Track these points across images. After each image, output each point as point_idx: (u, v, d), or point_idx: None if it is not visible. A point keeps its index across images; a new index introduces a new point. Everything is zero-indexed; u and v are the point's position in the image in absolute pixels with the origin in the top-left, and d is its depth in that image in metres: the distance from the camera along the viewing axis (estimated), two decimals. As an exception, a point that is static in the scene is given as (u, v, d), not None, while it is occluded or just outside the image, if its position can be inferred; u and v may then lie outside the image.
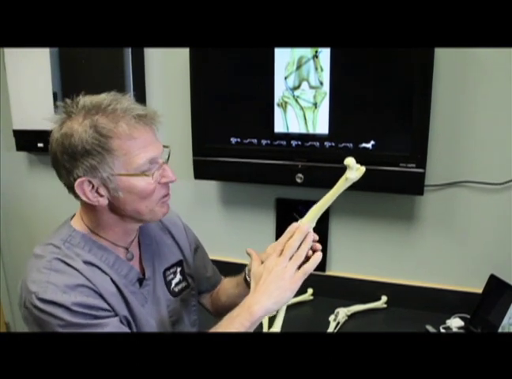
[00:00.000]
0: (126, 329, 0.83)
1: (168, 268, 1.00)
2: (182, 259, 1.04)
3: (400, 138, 1.29)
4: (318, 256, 0.80)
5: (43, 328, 0.77)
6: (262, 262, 0.84)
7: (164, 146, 0.86)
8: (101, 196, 0.81)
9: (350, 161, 0.78)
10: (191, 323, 1.04)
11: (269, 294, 0.77)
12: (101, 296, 0.81)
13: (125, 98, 0.82)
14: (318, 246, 0.85)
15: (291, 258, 0.80)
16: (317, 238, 0.85)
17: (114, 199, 0.82)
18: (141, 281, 0.92)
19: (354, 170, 0.79)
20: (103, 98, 0.81)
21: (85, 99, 0.81)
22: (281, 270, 0.79)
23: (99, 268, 0.84)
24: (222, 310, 1.08)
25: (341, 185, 0.81)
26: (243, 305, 0.79)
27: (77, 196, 0.83)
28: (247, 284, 0.97)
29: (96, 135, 0.77)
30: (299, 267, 0.79)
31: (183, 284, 1.02)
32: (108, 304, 0.81)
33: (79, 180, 0.79)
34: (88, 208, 0.85)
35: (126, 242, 0.91)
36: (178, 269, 1.02)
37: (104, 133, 0.77)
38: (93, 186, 0.80)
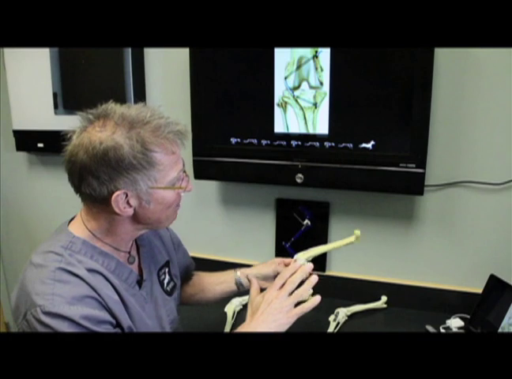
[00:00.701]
0: None
1: (160, 269, 1.01)
2: (169, 260, 1.06)
3: (400, 138, 1.29)
4: (317, 299, 0.88)
5: None
6: (261, 289, 0.93)
7: None
8: (130, 207, 0.82)
9: (359, 233, 0.97)
10: (180, 321, 1.07)
11: (266, 325, 0.84)
12: (106, 306, 0.80)
13: (159, 111, 0.83)
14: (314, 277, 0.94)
15: (290, 294, 0.87)
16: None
17: (142, 209, 0.83)
18: (139, 283, 0.93)
19: (358, 238, 0.98)
20: (141, 110, 0.81)
21: (123, 110, 0.81)
22: (280, 304, 0.86)
23: (102, 275, 0.83)
24: (192, 302, 1.17)
25: (345, 243, 0.99)
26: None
27: (90, 202, 0.83)
28: (237, 286, 1.09)
29: (144, 149, 0.78)
30: (297, 304, 0.87)
31: (172, 284, 1.04)
32: (113, 314, 0.81)
33: (118, 192, 0.78)
34: (101, 215, 0.84)
35: (128, 247, 0.92)
36: (167, 270, 1.04)
37: (151, 148, 0.78)
38: (125, 197, 0.80)
